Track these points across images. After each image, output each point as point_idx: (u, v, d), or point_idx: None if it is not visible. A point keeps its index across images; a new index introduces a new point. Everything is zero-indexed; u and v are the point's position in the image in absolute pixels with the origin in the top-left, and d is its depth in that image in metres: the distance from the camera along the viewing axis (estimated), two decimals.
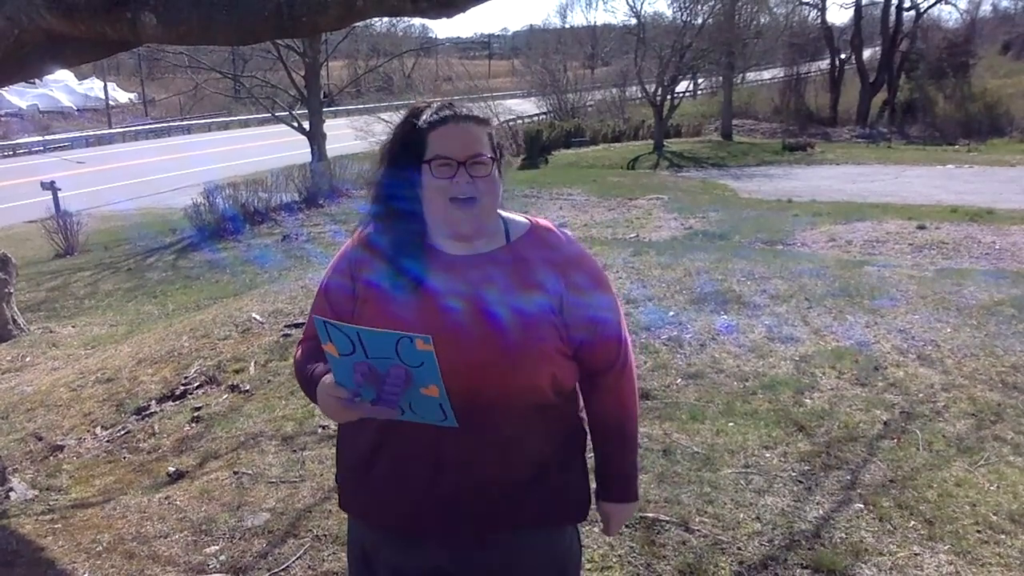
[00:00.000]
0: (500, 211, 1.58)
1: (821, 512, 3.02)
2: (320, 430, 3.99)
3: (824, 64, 40.92)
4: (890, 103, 36.04)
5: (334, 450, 3.84)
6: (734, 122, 32.55)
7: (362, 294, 1.54)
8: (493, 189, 1.50)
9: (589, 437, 1.70)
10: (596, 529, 2.87)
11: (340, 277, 1.60)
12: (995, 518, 2.96)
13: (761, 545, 2.81)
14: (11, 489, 3.75)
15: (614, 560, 2.74)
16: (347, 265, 1.60)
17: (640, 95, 31.17)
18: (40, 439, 4.58)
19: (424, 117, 1.51)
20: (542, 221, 1.63)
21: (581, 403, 1.67)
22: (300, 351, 1.62)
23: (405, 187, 1.52)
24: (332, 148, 19.85)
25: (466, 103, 1.58)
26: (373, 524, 1.61)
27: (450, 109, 1.52)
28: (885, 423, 3.75)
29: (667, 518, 2.96)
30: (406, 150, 1.52)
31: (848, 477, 3.27)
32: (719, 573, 2.67)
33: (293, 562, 2.86)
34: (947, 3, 49.23)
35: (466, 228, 1.49)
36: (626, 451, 1.70)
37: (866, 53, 38.32)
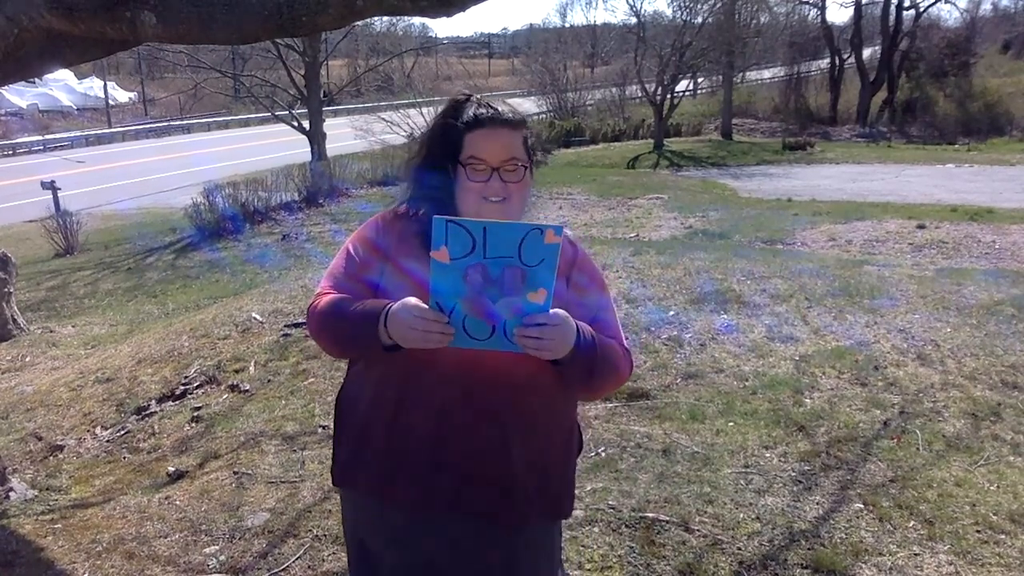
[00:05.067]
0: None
1: (821, 512, 3.02)
2: (320, 430, 3.99)
3: (824, 63, 40.87)
4: (890, 102, 36.00)
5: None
6: (734, 121, 32.50)
7: (392, 263, 1.56)
8: (523, 191, 1.57)
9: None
10: (596, 529, 2.88)
11: (371, 242, 1.61)
12: (995, 518, 2.96)
13: (761, 545, 2.81)
14: (11, 489, 3.75)
15: (614, 560, 2.74)
16: (379, 233, 1.61)
17: (640, 94, 31.12)
18: (40, 439, 4.58)
19: (463, 116, 1.55)
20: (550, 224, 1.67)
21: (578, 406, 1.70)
22: (324, 297, 1.56)
23: (437, 178, 1.57)
24: (332, 147, 19.84)
25: (502, 101, 1.63)
26: (372, 498, 1.61)
27: (489, 110, 1.56)
28: (885, 423, 3.75)
29: (667, 518, 2.96)
30: (442, 146, 1.56)
31: (848, 477, 3.27)
32: (719, 573, 2.67)
33: (293, 562, 2.86)
34: (947, 2, 49.38)
35: None
36: (604, 341, 1.55)
37: (866, 52, 38.27)
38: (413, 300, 1.40)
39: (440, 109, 1.63)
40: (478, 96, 1.60)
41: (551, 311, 1.38)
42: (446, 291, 1.35)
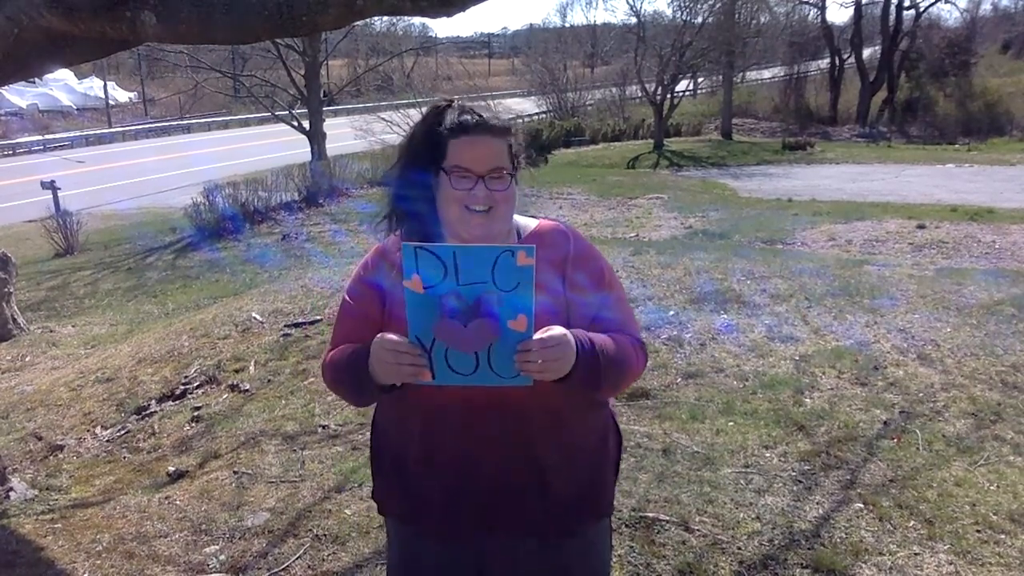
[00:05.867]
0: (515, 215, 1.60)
1: (821, 512, 3.02)
2: (320, 430, 3.99)
3: (824, 63, 40.90)
4: (890, 102, 36.02)
5: (334, 449, 3.84)
6: (734, 121, 32.51)
7: (388, 301, 1.54)
8: (509, 198, 1.52)
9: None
10: None
11: (363, 283, 1.60)
12: (995, 518, 2.96)
13: (761, 545, 2.81)
14: (11, 489, 3.75)
15: (614, 559, 2.74)
16: (367, 271, 1.61)
17: (640, 94, 31.13)
18: (40, 439, 4.58)
19: (446, 122, 1.50)
20: (548, 221, 1.64)
21: (611, 401, 1.69)
22: (329, 355, 1.60)
23: (419, 189, 1.53)
24: (332, 147, 19.84)
25: (487, 106, 1.58)
26: (417, 525, 1.61)
27: (473, 116, 1.50)
28: (885, 423, 3.75)
29: (667, 518, 2.96)
30: (425, 152, 1.52)
31: (848, 477, 3.27)
32: (719, 573, 2.67)
33: (293, 562, 2.86)
34: (947, 2, 49.35)
35: (478, 231, 1.50)
36: (607, 343, 1.49)
37: (866, 52, 38.29)
38: (386, 335, 1.38)
39: (423, 114, 1.57)
40: (462, 101, 1.55)
41: (545, 334, 1.35)
42: (424, 322, 1.32)
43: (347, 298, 1.61)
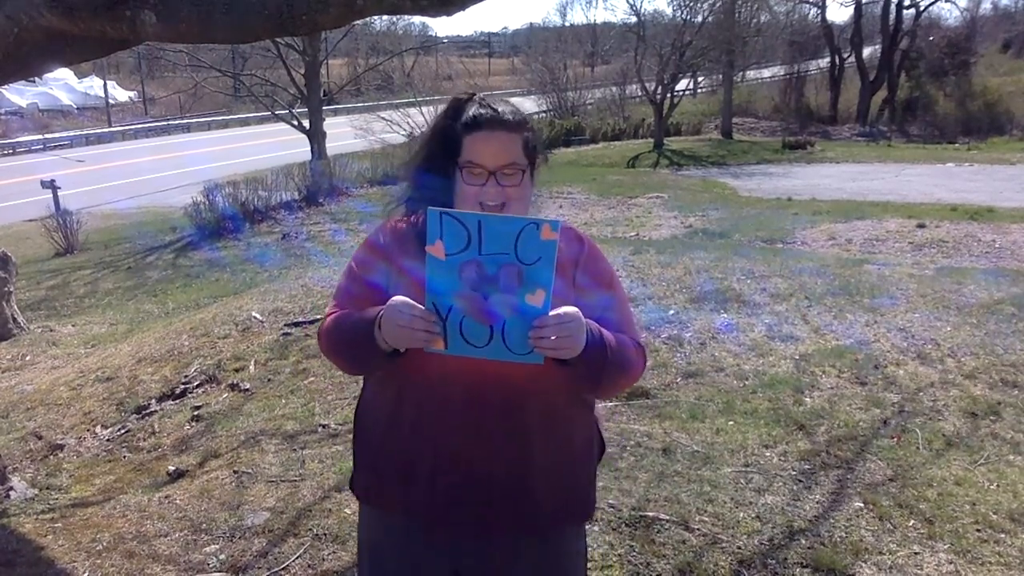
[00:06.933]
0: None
1: (821, 511, 3.02)
2: (320, 429, 3.99)
3: (824, 62, 40.89)
4: (890, 101, 36.01)
5: (334, 448, 3.83)
6: (734, 120, 32.49)
7: (394, 278, 1.54)
8: (523, 195, 1.52)
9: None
10: (596, 528, 2.88)
11: (373, 253, 1.59)
12: (995, 517, 2.96)
13: (760, 544, 2.81)
14: (11, 488, 3.75)
15: (614, 559, 2.74)
16: (381, 243, 1.60)
17: (640, 93, 31.11)
18: (40, 438, 4.58)
19: (463, 117, 1.52)
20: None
21: (596, 407, 1.69)
22: (329, 317, 1.57)
23: (437, 184, 1.54)
24: (332, 146, 19.84)
25: (505, 101, 1.58)
26: (392, 513, 1.60)
27: (489, 111, 1.51)
28: (884, 422, 3.75)
29: (667, 517, 2.96)
30: (442, 146, 1.53)
31: (847, 476, 3.27)
32: (718, 571, 2.67)
33: (293, 561, 2.86)
34: (947, 1, 49.29)
35: None
36: (612, 337, 1.48)
37: (866, 51, 38.28)
38: (403, 298, 1.37)
39: (442, 108, 1.59)
40: (480, 96, 1.56)
41: (559, 310, 1.35)
42: (442, 289, 1.32)
43: (354, 266, 1.60)
